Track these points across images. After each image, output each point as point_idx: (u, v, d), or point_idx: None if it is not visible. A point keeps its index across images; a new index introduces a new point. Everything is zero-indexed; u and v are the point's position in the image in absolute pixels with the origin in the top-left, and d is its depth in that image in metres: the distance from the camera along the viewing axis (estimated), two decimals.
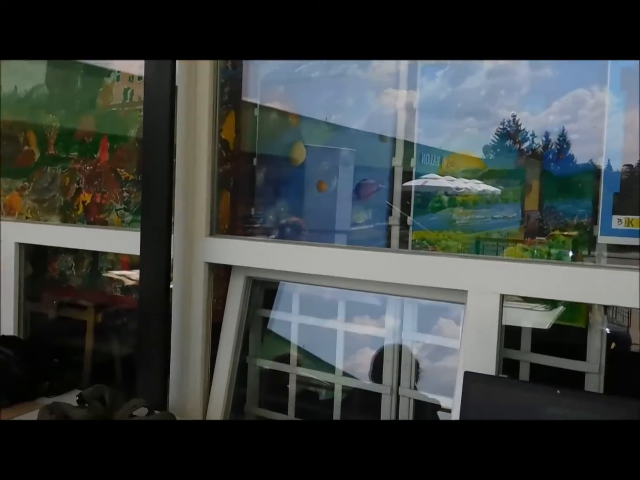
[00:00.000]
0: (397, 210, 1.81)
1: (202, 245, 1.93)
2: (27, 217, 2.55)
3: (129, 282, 2.37)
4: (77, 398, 1.72)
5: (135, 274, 2.35)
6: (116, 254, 2.37)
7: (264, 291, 2.06)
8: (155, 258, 1.87)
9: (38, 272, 2.54)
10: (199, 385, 1.95)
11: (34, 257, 2.53)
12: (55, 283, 2.51)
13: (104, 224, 2.32)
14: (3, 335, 2.25)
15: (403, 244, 1.79)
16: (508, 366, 1.57)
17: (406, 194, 1.79)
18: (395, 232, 1.81)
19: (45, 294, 2.56)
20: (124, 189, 2.29)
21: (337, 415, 1.91)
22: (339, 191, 1.94)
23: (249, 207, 2.09)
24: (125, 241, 2.11)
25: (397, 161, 1.81)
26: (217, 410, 1.93)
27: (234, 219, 2.06)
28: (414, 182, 1.78)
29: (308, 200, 2.00)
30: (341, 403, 1.91)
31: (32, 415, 1.81)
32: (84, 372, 2.41)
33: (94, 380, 2.24)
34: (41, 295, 2.56)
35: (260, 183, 2.08)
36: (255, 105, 2.06)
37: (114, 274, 2.40)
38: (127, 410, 1.63)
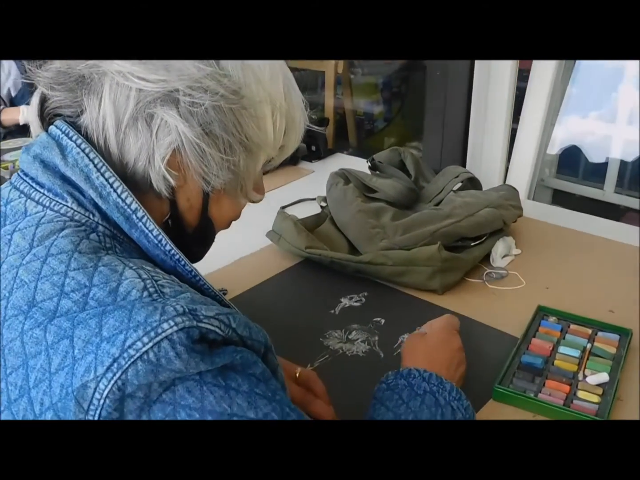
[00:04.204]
0: None
1: None
2: None
3: None
4: (369, 164, 1.40)
5: None
6: None
7: None
8: None
9: None
10: (500, 150, 1.56)
11: None
12: None
13: None
14: None
15: None
16: None
17: None
18: None
19: None
20: None
21: None
22: None
23: None
24: None
25: None
26: (522, 177, 1.56)
27: None
28: None
29: None
30: None
31: (299, 182, 1.60)
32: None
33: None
34: None
35: None
36: None
37: None
38: (452, 182, 1.28)
